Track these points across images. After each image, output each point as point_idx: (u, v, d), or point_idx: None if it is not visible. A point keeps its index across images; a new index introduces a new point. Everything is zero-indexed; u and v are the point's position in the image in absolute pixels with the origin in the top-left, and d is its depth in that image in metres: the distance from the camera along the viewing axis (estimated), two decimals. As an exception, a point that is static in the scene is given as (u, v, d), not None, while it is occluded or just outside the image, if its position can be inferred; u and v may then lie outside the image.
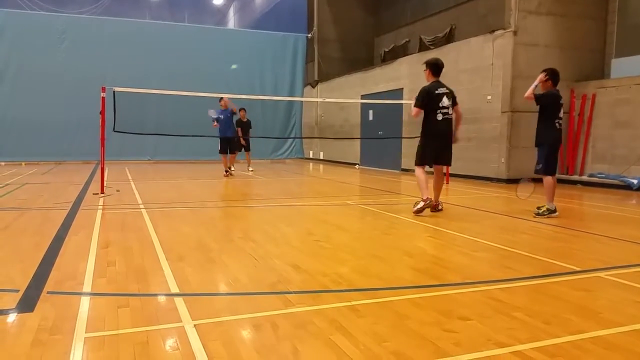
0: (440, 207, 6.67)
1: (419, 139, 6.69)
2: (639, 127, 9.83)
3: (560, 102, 6.43)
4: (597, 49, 11.32)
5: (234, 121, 12.48)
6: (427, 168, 6.59)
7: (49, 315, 2.76)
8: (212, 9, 32.04)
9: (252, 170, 13.54)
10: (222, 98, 12.06)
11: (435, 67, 6.45)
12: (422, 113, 6.42)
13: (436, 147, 6.42)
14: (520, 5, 10.61)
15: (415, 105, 6.43)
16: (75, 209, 6.66)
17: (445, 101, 6.32)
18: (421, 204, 6.33)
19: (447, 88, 6.43)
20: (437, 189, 6.66)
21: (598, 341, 2.47)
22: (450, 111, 6.39)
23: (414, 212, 6.34)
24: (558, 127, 6.36)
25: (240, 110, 12.93)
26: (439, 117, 6.31)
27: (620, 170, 10.10)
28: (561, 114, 6.38)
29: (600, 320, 2.78)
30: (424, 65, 6.55)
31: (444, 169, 6.79)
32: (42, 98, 16.57)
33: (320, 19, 19.36)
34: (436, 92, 6.31)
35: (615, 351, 2.37)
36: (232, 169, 12.82)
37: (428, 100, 6.31)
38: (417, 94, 6.54)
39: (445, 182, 7.01)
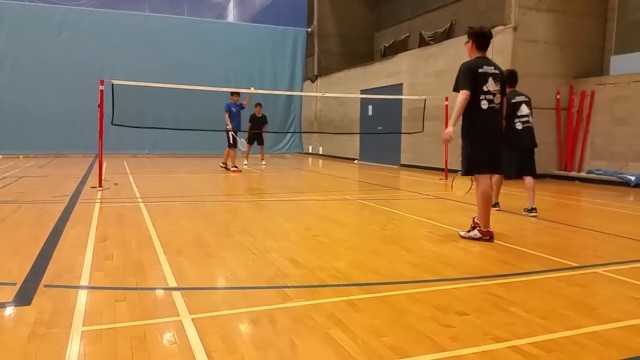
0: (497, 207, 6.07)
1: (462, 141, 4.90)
2: (637, 124, 9.83)
3: (513, 101, 6.03)
4: (597, 46, 11.31)
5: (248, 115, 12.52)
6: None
7: (46, 308, 2.76)
8: (211, 2, 31.89)
9: (264, 164, 13.58)
10: (238, 94, 11.82)
11: (481, 38, 4.74)
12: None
13: (489, 146, 4.70)
14: (521, 1, 10.58)
15: (459, 88, 4.63)
16: (73, 203, 6.65)
17: (491, 84, 4.61)
18: (475, 232, 4.70)
19: (496, 67, 4.73)
20: (495, 187, 5.90)
21: (594, 336, 2.48)
22: (497, 100, 4.67)
23: (460, 235, 4.85)
24: (520, 127, 6.04)
25: (256, 105, 13.13)
26: (484, 104, 4.60)
27: (618, 166, 10.11)
28: (524, 113, 6.07)
29: (596, 315, 2.79)
30: (467, 37, 4.87)
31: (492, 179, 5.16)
32: (40, 90, 16.50)
33: (320, 13, 19.28)
34: (479, 70, 4.61)
35: (611, 346, 2.38)
36: (223, 164, 12.77)
37: (472, 78, 4.60)
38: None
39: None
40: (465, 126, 4.75)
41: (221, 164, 12.14)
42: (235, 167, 11.76)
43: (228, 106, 11.62)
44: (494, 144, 4.72)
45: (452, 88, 4.80)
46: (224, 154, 12.24)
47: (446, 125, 4.97)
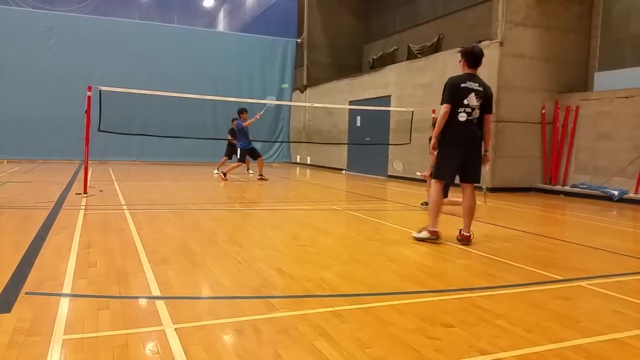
0: (470, 239, 5.05)
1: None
2: (620, 139, 10.01)
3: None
4: (581, 62, 11.53)
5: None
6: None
7: (26, 316, 2.70)
8: (202, 11, 31.97)
9: (252, 173, 13.48)
10: (245, 110, 12.02)
11: (470, 56, 4.99)
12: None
13: (458, 156, 4.93)
14: (507, 16, 10.77)
15: (442, 102, 4.94)
16: (57, 209, 6.55)
17: (472, 99, 4.86)
18: (424, 233, 5.07)
19: (483, 85, 4.98)
20: (467, 215, 5.07)
21: (578, 350, 2.50)
22: (476, 114, 4.92)
23: (413, 237, 5.19)
24: (462, 119, 4.91)
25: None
26: (461, 117, 4.85)
27: (601, 181, 10.27)
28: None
29: (580, 328, 2.81)
30: (459, 55, 5.12)
31: (468, 189, 5.10)
32: (26, 95, 16.30)
33: (310, 24, 19.41)
34: (462, 85, 4.87)
35: (595, 360, 2.39)
36: (216, 171, 12.89)
37: (453, 92, 4.88)
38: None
39: (477, 202, 5.28)
40: (441, 135, 5.03)
41: (222, 173, 12.04)
42: (225, 174, 11.87)
43: (240, 124, 11.92)
44: (465, 154, 4.96)
45: (439, 101, 5.05)
46: (220, 162, 12.62)
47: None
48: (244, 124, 11.89)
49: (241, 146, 12.02)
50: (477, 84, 4.94)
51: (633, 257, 4.86)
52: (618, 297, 3.44)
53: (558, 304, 3.26)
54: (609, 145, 10.25)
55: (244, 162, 12.37)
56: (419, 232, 5.15)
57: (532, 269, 4.17)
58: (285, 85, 12.57)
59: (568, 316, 3.02)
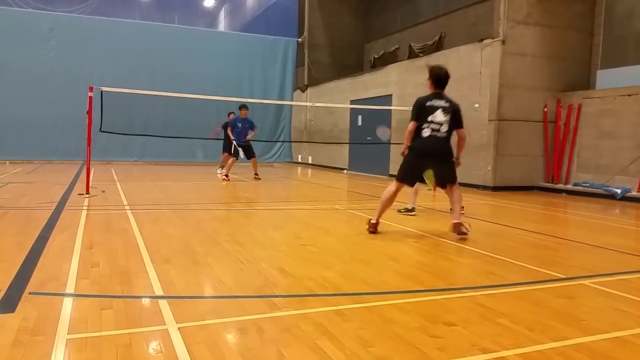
0: (464, 230, 5.20)
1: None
2: (623, 137, 9.99)
3: (428, 104, 5.33)
4: (583, 60, 11.51)
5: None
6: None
7: (30, 316, 2.72)
8: (202, 12, 32.02)
9: (220, 173, 13.36)
10: (245, 107, 12.00)
11: (436, 79, 5.42)
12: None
13: (418, 165, 5.38)
14: (509, 15, 10.75)
15: (410, 120, 5.40)
16: (59, 209, 6.57)
17: (438, 116, 5.25)
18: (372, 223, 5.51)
19: (449, 102, 5.38)
20: (456, 203, 5.44)
21: (581, 348, 2.50)
22: (443, 129, 5.24)
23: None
24: (426, 135, 5.27)
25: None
26: (425, 133, 5.24)
27: (604, 179, 10.25)
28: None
29: (583, 327, 2.81)
30: (427, 73, 5.52)
31: (454, 186, 5.47)
32: (28, 96, 16.32)
33: (311, 24, 19.40)
34: (428, 103, 5.32)
35: (598, 358, 2.40)
36: (219, 170, 12.86)
37: (419, 111, 5.33)
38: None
39: (456, 198, 5.46)
40: (410, 145, 5.44)
41: (223, 173, 12.00)
42: (227, 176, 11.77)
43: (233, 122, 12.00)
44: (430, 163, 5.36)
45: None
46: (222, 161, 12.64)
47: None
48: (231, 137, 11.85)
49: (236, 141, 11.89)
50: (443, 101, 5.37)
51: (635, 255, 4.86)
52: (620, 295, 3.44)
53: (560, 302, 3.26)
54: (611, 144, 10.23)
55: (237, 157, 12.05)
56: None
57: (534, 267, 4.17)
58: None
59: (570, 314, 3.02)
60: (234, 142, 11.85)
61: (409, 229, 5.86)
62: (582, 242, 5.47)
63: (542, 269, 4.10)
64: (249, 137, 11.95)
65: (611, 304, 3.27)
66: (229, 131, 12.11)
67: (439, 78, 5.43)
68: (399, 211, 6.94)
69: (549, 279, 3.85)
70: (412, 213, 6.92)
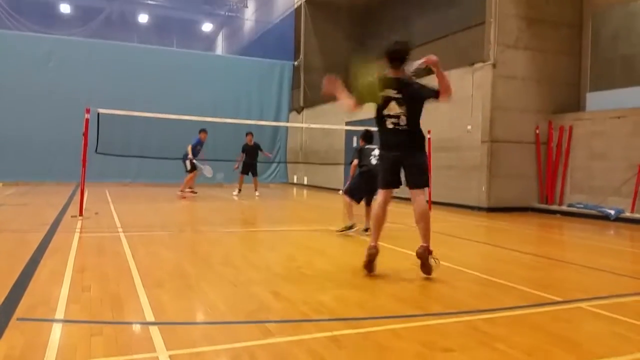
0: (429, 252, 4.52)
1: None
2: (615, 159, 10.07)
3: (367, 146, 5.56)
4: (573, 83, 11.67)
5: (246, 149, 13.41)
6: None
7: (17, 343, 2.65)
8: (200, 36, 32.36)
9: (258, 195, 13.41)
10: (251, 133, 13.40)
11: (389, 54, 4.75)
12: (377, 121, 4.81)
13: (389, 162, 4.67)
14: (499, 39, 10.93)
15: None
16: (52, 232, 6.49)
17: (393, 108, 4.58)
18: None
19: (402, 88, 4.62)
20: (419, 222, 4.68)
21: (579, 374, 2.46)
22: (402, 122, 4.56)
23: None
24: (374, 163, 5.18)
25: (247, 134, 13.51)
26: (389, 125, 4.61)
27: (597, 200, 10.29)
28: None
29: (581, 352, 2.77)
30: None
31: (424, 195, 4.71)
32: (24, 118, 16.31)
33: (307, 48, 19.64)
34: (381, 93, 4.58)
35: (597, 384, 2.35)
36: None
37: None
38: None
39: (424, 217, 4.68)
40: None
41: (181, 191, 12.59)
42: (184, 191, 12.53)
43: (195, 143, 12.66)
44: (399, 160, 4.63)
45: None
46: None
47: (429, 156, 5.14)
48: (191, 158, 12.47)
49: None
50: (394, 91, 4.57)
51: (632, 277, 4.83)
52: (619, 318, 3.41)
53: (558, 326, 3.22)
54: (603, 165, 10.30)
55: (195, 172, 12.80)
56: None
57: (531, 290, 4.13)
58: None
59: (569, 339, 2.98)
60: (188, 160, 12.57)
61: (407, 252, 5.82)
62: (578, 264, 5.44)
63: (539, 292, 4.07)
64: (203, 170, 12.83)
65: (610, 327, 3.23)
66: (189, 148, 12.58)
67: (391, 52, 4.69)
68: (338, 231, 6.91)
69: (546, 302, 3.81)
70: (353, 230, 6.87)
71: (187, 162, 12.54)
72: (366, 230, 6.88)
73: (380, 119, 4.67)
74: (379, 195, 4.79)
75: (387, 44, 4.73)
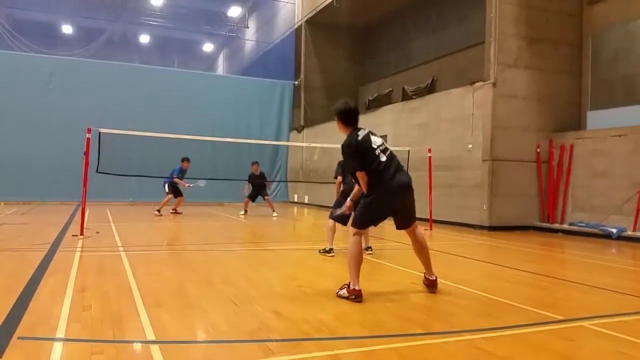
0: (436, 283, 4.65)
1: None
2: (616, 177, 10.08)
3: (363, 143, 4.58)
4: (573, 102, 11.76)
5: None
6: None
7: (17, 362, 2.64)
8: (201, 56, 32.72)
9: (276, 216, 13.39)
10: (257, 163, 13.74)
11: (347, 115, 4.76)
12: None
13: (386, 203, 4.61)
14: (499, 58, 11.05)
15: (354, 170, 4.62)
16: (53, 251, 6.49)
17: (381, 156, 4.54)
18: (344, 291, 4.31)
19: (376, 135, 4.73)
20: (421, 259, 4.75)
21: (583, 393, 2.44)
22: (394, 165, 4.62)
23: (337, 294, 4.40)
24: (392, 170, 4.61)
25: (252, 164, 13.73)
26: (391, 168, 4.53)
27: (599, 219, 10.27)
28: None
29: (584, 371, 2.75)
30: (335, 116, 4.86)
31: (416, 229, 4.89)
32: (26, 138, 16.41)
33: (307, 68, 19.86)
34: (363, 141, 4.53)
35: (601, 403, 2.33)
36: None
37: (363, 155, 4.49)
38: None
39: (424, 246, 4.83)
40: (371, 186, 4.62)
41: (170, 210, 13.02)
42: (159, 211, 12.81)
43: (177, 172, 13.14)
44: (393, 202, 4.69)
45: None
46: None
47: (429, 177, 5.14)
48: (177, 181, 13.04)
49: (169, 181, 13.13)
50: (375, 136, 4.68)
51: (634, 295, 4.81)
52: (621, 337, 3.39)
53: (561, 345, 3.20)
54: (605, 183, 10.31)
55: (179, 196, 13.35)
56: (341, 288, 4.39)
57: (533, 309, 4.11)
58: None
59: (572, 358, 2.96)
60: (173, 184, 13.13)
61: (408, 270, 5.81)
62: (580, 283, 5.42)
63: (541, 311, 4.05)
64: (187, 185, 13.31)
65: (612, 346, 3.21)
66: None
67: (351, 112, 4.71)
68: (319, 252, 6.87)
69: (548, 320, 3.79)
70: (331, 254, 6.73)
71: (167, 186, 13.13)
72: (367, 249, 6.80)
73: (375, 167, 4.49)
74: (359, 236, 4.50)
75: (340, 105, 4.80)
